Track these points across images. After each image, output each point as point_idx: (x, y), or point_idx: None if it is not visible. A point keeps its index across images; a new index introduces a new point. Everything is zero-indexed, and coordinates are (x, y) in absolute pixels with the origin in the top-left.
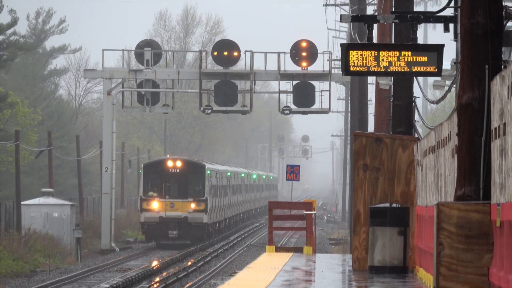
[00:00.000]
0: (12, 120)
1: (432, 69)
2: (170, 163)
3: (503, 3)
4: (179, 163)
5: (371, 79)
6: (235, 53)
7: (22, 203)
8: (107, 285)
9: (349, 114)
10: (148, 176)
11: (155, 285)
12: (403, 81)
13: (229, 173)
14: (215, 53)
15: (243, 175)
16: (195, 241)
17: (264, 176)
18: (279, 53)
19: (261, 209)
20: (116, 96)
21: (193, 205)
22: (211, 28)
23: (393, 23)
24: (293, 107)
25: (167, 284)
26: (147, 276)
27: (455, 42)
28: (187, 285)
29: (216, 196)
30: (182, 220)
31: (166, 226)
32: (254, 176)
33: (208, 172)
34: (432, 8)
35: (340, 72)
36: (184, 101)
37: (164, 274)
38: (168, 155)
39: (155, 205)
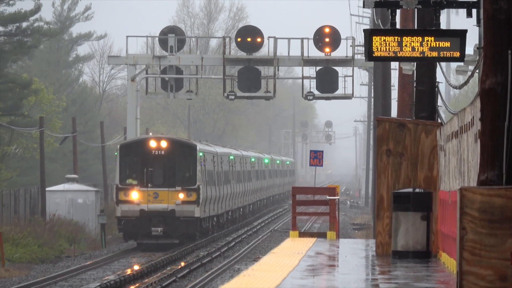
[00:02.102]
0: (37, 107)
1: (455, 54)
2: (153, 144)
3: None
4: (164, 143)
5: (394, 65)
6: (259, 39)
7: (46, 189)
8: (132, 270)
9: (372, 99)
10: (125, 160)
11: (178, 268)
12: (426, 66)
13: (232, 157)
14: (239, 39)
15: (253, 159)
16: (185, 240)
17: (278, 161)
18: (302, 39)
19: (275, 197)
20: (140, 82)
21: (181, 195)
22: (235, 14)
23: (416, 9)
24: (316, 92)
25: (191, 269)
26: (172, 261)
27: (478, 28)
28: (212, 270)
29: (212, 184)
30: (168, 214)
31: (149, 221)
32: (266, 161)
33: (201, 154)
34: None
35: (363, 57)
36: (208, 87)
37: (188, 258)
38: (150, 133)
39: (135, 195)
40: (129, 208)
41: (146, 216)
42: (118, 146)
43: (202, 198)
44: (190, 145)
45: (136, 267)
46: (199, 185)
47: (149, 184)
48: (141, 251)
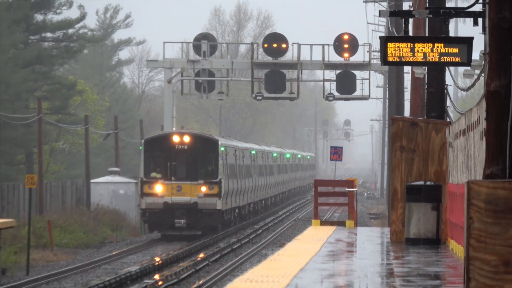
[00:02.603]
0: (82, 106)
1: (462, 59)
2: (176, 138)
3: None
4: (187, 138)
5: (407, 69)
6: (284, 45)
7: (91, 181)
8: (168, 255)
9: (387, 100)
10: (150, 154)
11: (211, 253)
12: (436, 70)
13: (253, 152)
14: (265, 45)
15: (275, 154)
16: (207, 232)
17: (299, 156)
18: (323, 45)
19: (296, 190)
20: (175, 84)
21: (204, 189)
22: (262, 22)
23: (427, 18)
24: (336, 94)
25: (223, 254)
26: (204, 247)
27: (483, 35)
28: (242, 255)
29: (234, 177)
30: (191, 206)
31: (172, 213)
32: (288, 156)
33: (222, 149)
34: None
35: (379, 62)
36: (238, 88)
37: (221, 244)
38: (174, 128)
39: (159, 188)
40: (153, 201)
41: (169, 209)
42: (143, 141)
43: (223, 191)
44: (212, 140)
45: (172, 253)
46: (221, 179)
47: (173, 178)
48: (166, 242)
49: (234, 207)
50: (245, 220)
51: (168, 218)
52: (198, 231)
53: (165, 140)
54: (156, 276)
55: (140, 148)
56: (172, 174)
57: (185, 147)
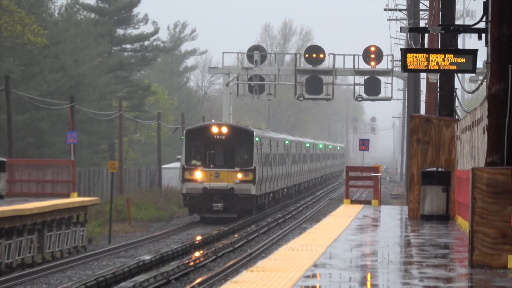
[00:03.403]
0: (155, 105)
1: (468, 67)
2: (215, 129)
3: None
4: (224, 129)
5: (422, 75)
6: (321, 55)
7: (162, 166)
8: (225, 228)
9: (406, 101)
10: (191, 143)
11: (260, 226)
12: (447, 76)
13: (287, 142)
14: (306, 55)
15: (308, 145)
16: (243, 215)
17: (330, 146)
18: (354, 55)
19: (327, 176)
20: (232, 87)
21: (240, 175)
22: (304, 36)
23: (440, 33)
24: (364, 95)
25: (271, 227)
26: (254, 221)
27: (486, 48)
28: (285, 228)
29: (268, 165)
30: (227, 191)
31: (211, 198)
32: (320, 146)
33: (257, 139)
34: (469, 21)
35: (400, 69)
36: (283, 91)
37: (268, 219)
38: (213, 120)
39: (199, 175)
40: (194, 186)
41: (208, 193)
42: (184, 131)
43: (257, 177)
44: (248, 131)
45: (223, 228)
46: (255, 166)
47: (211, 165)
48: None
49: (268, 192)
50: (279, 203)
51: (207, 202)
52: (234, 214)
53: (205, 131)
54: (216, 245)
55: (182, 138)
56: (211, 162)
57: (223, 137)
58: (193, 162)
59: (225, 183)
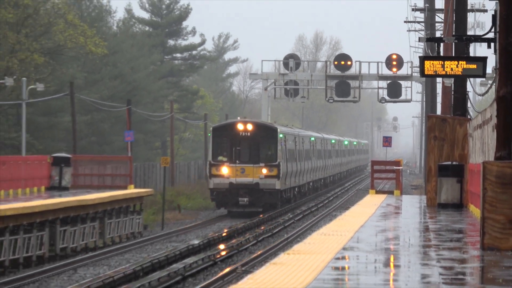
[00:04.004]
0: (202, 107)
1: (479, 73)
2: (240, 126)
3: None
4: (250, 126)
5: (438, 79)
6: (349, 62)
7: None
8: (263, 216)
9: (424, 102)
10: (217, 140)
11: (295, 214)
12: (460, 80)
13: (312, 138)
14: (336, 63)
15: (333, 141)
16: (268, 208)
17: (355, 143)
18: (378, 62)
19: (352, 170)
20: (270, 91)
21: (264, 171)
22: (333, 46)
23: (453, 43)
24: (387, 97)
25: (305, 214)
26: (290, 210)
27: (494, 55)
28: (318, 216)
29: (293, 161)
30: (253, 186)
31: (237, 192)
32: (346, 143)
33: (281, 135)
34: (479, 32)
35: (419, 75)
36: (315, 94)
37: (302, 207)
38: (238, 118)
39: (225, 170)
40: (220, 181)
41: (234, 188)
42: (211, 128)
43: (282, 172)
44: (272, 127)
45: (262, 216)
46: (280, 162)
47: (237, 161)
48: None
49: (293, 186)
50: (305, 196)
51: (233, 197)
52: (259, 208)
53: (231, 128)
54: (256, 231)
55: (209, 134)
56: (237, 158)
57: (248, 134)
58: (220, 158)
59: (250, 178)
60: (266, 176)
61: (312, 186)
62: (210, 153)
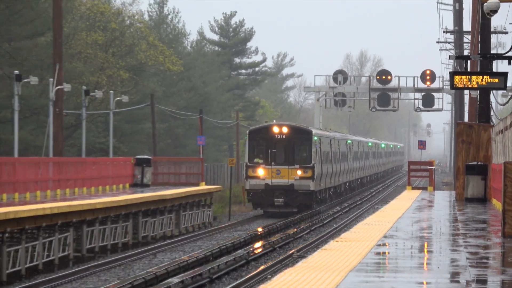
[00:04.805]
0: (263, 115)
1: (501, 85)
2: (276, 129)
3: None
4: (285, 129)
5: (466, 91)
6: (389, 77)
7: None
8: (308, 212)
9: (453, 111)
10: (253, 142)
11: (344, 207)
12: (485, 92)
13: (349, 141)
14: (378, 77)
15: (370, 144)
16: (303, 209)
17: (391, 146)
18: (414, 77)
19: (389, 170)
20: (321, 101)
21: (299, 172)
22: (376, 63)
23: (479, 60)
24: (421, 107)
25: (351, 208)
26: (339, 203)
27: None
28: (362, 208)
29: (328, 162)
30: (288, 187)
31: (272, 193)
32: (383, 145)
33: (315, 138)
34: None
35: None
36: (360, 104)
37: (350, 202)
38: (274, 121)
39: (261, 172)
40: (256, 183)
41: (270, 189)
42: (248, 131)
43: (316, 174)
44: (307, 130)
45: (320, 206)
46: (314, 164)
47: (273, 163)
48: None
49: (328, 187)
50: (341, 196)
51: (269, 197)
52: (294, 208)
53: (267, 131)
54: (310, 221)
55: (245, 137)
56: (272, 160)
57: (284, 136)
58: (256, 160)
59: (285, 179)
60: (301, 178)
61: (349, 186)
62: (246, 155)
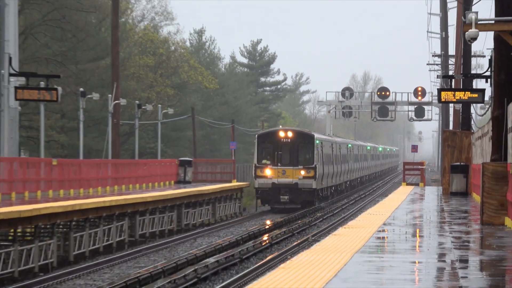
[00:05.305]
0: (284, 125)
1: (480, 100)
2: (282, 133)
3: None
4: (290, 133)
5: (451, 105)
6: (388, 93)
7: None
8: (318, 205)
9: (440, 121)
10: (261, 145)
11: (350, 200)
12: (466, 105)
13: (350, 145)
14: (378, 93)
15: (368, 147)
16: (305, 205)
17: (388, 149)
18: (408, 93)
19: (385, 170)
20: (332, 113)
21: (303, 172)
22: (376, 82)
23: (461, 79)
24: (414, 117)
25: (350, 203)
26: (341, 199)
27: (490, 87)
28: (363, 202)
29: (329, 164)
30: (292, 186)
31: (278, 191)
32: (380, 149)
33: (317, 141)
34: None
35: (437, 101)
36: (363, 115)
37: (353, 196)
38: (280, 126)
39: (268, 172)
40: (264, 182)
41: (276, 188)
42: (256, 135)
43: (318, 174)
44: (309, 135)
45: (323, 203)
46: (316, 165)
47: (279, 164)
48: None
49: (330, 186)
50: (342, 193)
51: (275, 195)
52: (298, 205)
53: (274, 135)
54: (322, 211)
55: (254, 141)
56: (278, 161)
57: (288, 140)
58: (264, 161)
59: (290, 179)
60: (304, 177)
61: (350, 184)
62: (255, 157)
